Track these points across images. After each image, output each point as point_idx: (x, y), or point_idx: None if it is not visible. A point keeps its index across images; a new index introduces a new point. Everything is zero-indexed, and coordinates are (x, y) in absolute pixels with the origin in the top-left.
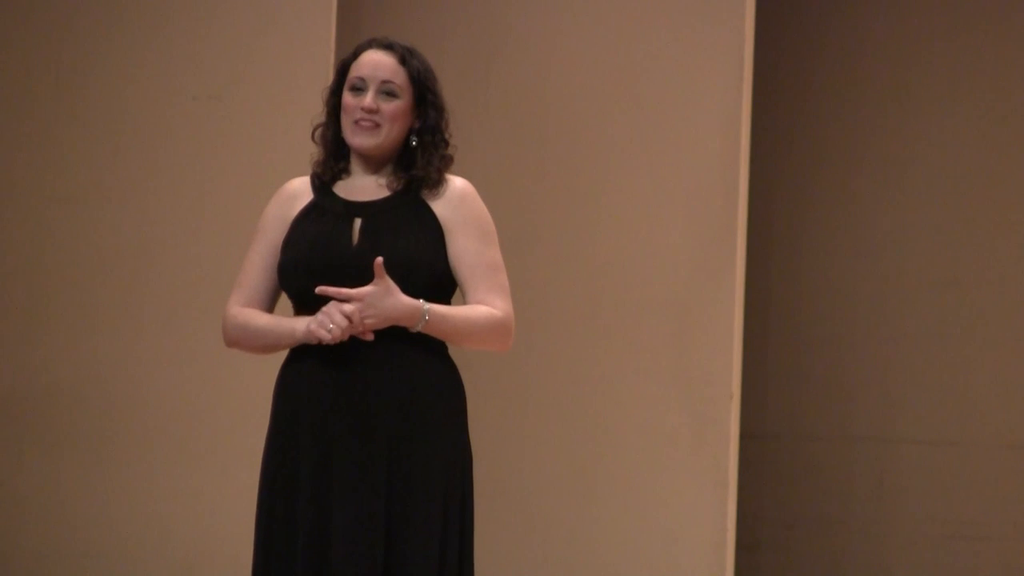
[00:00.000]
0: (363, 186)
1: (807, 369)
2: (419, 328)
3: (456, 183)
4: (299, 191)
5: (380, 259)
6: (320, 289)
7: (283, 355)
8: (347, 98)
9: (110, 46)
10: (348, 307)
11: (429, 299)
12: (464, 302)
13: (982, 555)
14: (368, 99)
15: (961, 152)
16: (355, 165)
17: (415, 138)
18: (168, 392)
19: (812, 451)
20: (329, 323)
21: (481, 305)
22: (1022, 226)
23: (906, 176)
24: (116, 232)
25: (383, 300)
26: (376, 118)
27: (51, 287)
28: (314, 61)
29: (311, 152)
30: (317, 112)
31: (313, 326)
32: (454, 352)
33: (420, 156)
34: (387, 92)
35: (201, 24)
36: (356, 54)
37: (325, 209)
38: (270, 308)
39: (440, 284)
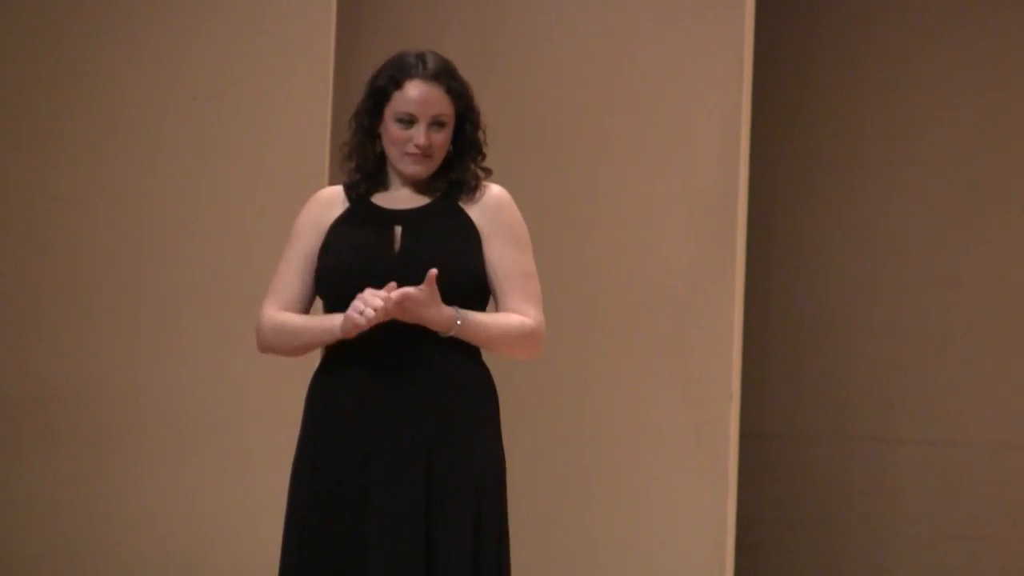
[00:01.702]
0: (402, 196)
1: (807, 369)
2: (451, 333)
3: (493, 190)
4: (333, 199)
5: (435, 271)
6: (369, 292)
7: (312, 362)
8: (396, 130)
9: (109, 46)
10: (383, 293)
11: (467, 305)
12: (496, 308)
13: (982, 555)
14: (422, 137)
15: (961, 152)
16: (394, 178)
17: (454, 148)
18: (167, 392)
19: (812, 451)
20: (362, 306)
21: (514, 314)
22: (1022, 226)
23: (906, 176)
24: (115, 232)
25: (425, 307)
26: (430, 151)
27: (50, 287)
28: (314, 61)
29: (309, 153)
30: (317, 112)
31: (349, 311)
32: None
33: (458, 163)
34: (437, 123)
35: (201, 24)
36: (399, 83)
37: (363, 216)
38: (305, 313)
39: (478, 290)
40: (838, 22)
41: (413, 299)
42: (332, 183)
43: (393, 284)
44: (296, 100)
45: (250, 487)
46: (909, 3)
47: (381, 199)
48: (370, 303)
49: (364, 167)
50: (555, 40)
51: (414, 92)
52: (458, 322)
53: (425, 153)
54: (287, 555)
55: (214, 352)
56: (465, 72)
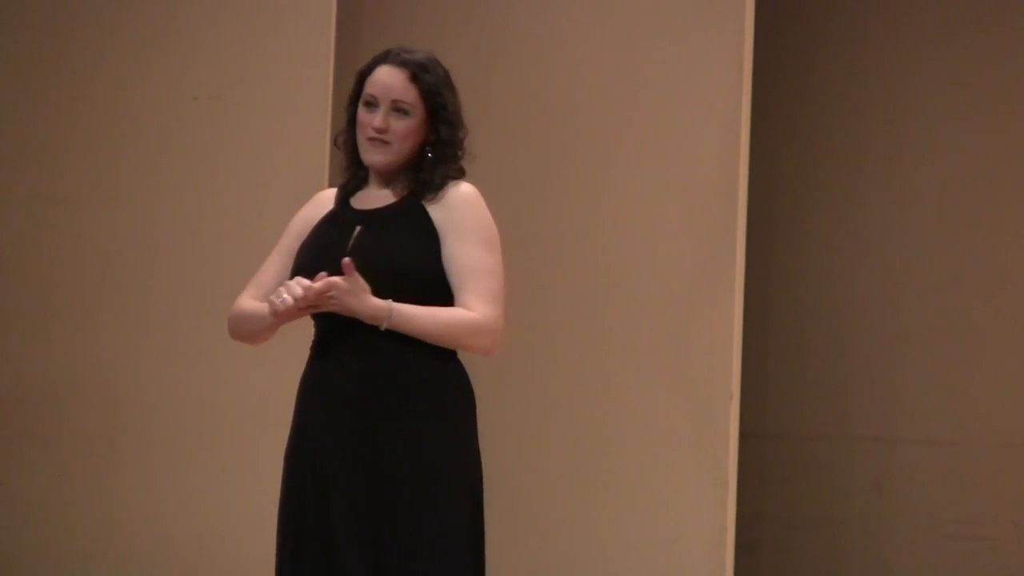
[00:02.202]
0: (375, 196)
1: (807, 369)
2: (385, 327)
3: (460, 187)
4: (328, 199)
5: (347, 259)
6: (295, 280)
7: (285, 362)
8: (361, 113)
9: (110, 46)
10: (306, 282)
11: (423, 303)
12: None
13: (982, 555)
14: (378, 119)
15: (961, 152)
16: (371, 175)
17: (430, 150)
18: (168, 392)
19: (812, 451)
20: (284, 293)
21: (460, 308)
22: (1022, 226)
23: (906, 176)
24: (116, 232)
25: (348, 297)
26: (386, 136)
27: (51, 287)
28: (314, 61)
29: (309, 153)
30: (317, 112)
31: (271, 297)
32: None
33: (428, 166)
34: (398, 110)
35: (201, 24)
36: (371, 68)
37: (339, 218)
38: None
39: (434, 289)
40: (838, 22)
41: (336, 287)
42: (332, 183)
43: (323, 274)
44: (296, 100)
45: (250, 487)
46: (909, 4)
47: (360, 199)
48: (292, 291)
49: (347, 155)
50: (555, 41)
51: (378, 75)
52: (388, 310)
53: (382, 138)
54: (277, 549)
55: (214, 352)
56: (466, 73)
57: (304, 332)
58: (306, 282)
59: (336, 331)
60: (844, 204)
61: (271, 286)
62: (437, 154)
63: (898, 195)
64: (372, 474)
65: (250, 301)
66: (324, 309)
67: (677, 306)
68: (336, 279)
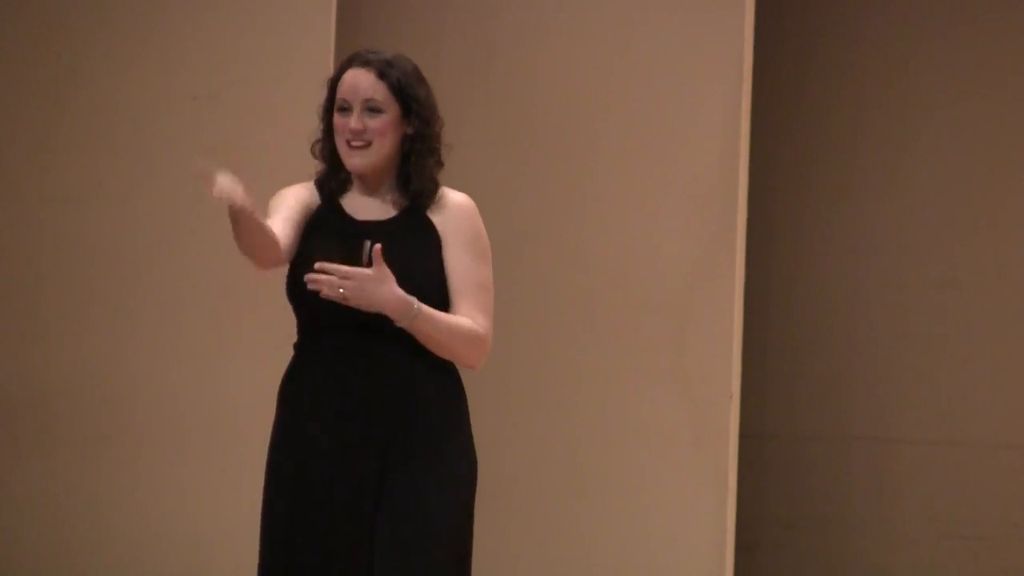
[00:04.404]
0: (369, 203)
1: (806, 369)
2: (405, 323)
3: (458, 197)
4: (311, 190)
5: (379, 246)
6: (319, 265)
7: (283, 362)
8: (336, 120)
9: (109, 46)
10: (342, 269)
11: None
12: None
13: (981, 555)
14: (353, 121)
15: (961, 152)
16: (356, 179)
17: (408, 146)
18: (166, 392)
19: (811, 451)
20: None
21: (467, 319)
22: (1022, 226)
23: (906, 176)
24: (114, 232)
25: (376, 285)
26: (365, 136)
27: (49, 287)
28: (314, 61)
29: (309, 153)
30: (316, 112)
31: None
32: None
33: (413, 166)
34: (371, 109)
35: (201, 24)
36: (340, 74)
37: (334, 226)
38: (276, 242)
39: (443, 301)
40: (838, 22)
41: (364, 278)
42: None
43: (343, 267)
44: (295, 100)
45: (248, 487)
46: (908, 3)
47: (351, 204)
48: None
49: (326, 162)
50: (554, 39)
51: (347, 78)
52: (416, 313)
53: (360, 139)
54: (261, 548)
55: (212, 352)
56: (463, 71)
57: None
58: (342, 269)
59: (335, 331)
60: (844, 204)
61: (274, 224)
62: (416, 149)
63: (898, 195)
64: (381, 471)
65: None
66: (347, 301)
67: (677, 306)
68: (364, 270)
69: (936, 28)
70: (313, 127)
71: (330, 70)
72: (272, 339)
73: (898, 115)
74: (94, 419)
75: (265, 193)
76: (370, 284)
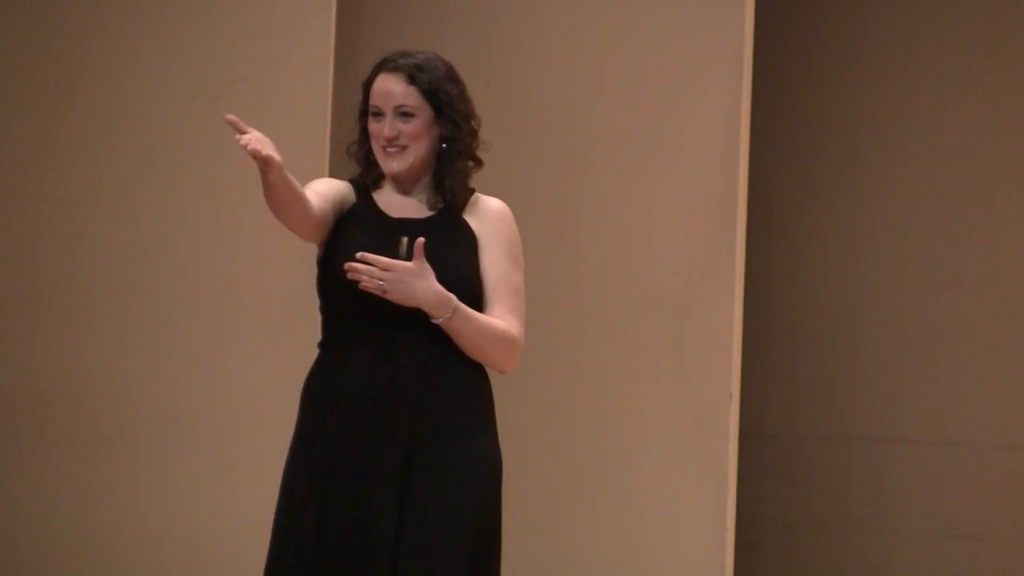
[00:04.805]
0: (404, 202)
1: (806, 369)
2: (442, 320)
3: (494, 202)
4: (348, 188)
5: (421, 240)
6: (361, 255)
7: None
8: (371, 125)
9: (109, 46)
10: (383, 260)
11: None
12: None
13: (981, 555)
14: (387, 129)
15: (960, 152)
16: (390, 179)
17: (444, 148)
18: (166, 392)
19: (811, 451)
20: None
21: (502, 322)
22: (1022, 226)
23: (906, 175)
24: (115, 232)
25: (416, 280)
26: (399, 142)
27: (49, 287)
28: (314, 61)
29: (309, 153)
30: (317, 112)
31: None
32: None
33: (447, 168)
34: (403, 114)
35: (201, 24)
36: (372, 78)
37: (369, 222)
38: (309, 210)
39: (478, 302)
40: (838, 22)
41: (405, 271)
42: None
43: (384, 259)
44: (296, 100)
45: (249, 486)
46: (908, 3)
47: (386, 203)
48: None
49: (361, 164)
50: (554, 39)
51: (377, 85)
52: (453, 311)
53: (393, 144)
54: (273, 547)
55: (212, 352)
56: (463, 71)
57: (305, 333)
58: (383, 260)
59: (367, 324)
60: (844, 204)
61: (313, 198)
62: (451, 151)
63: (898, 195)
64: (406, 467)
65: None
66: (386, 294)
67: (677, 306)
68: (404, 263)
69: (936, 29)
70: (313, 127)
71: (330, 70)
72: (272, 339)
73: (898, 115)
74: (94, 419)
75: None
76: (410, 277)
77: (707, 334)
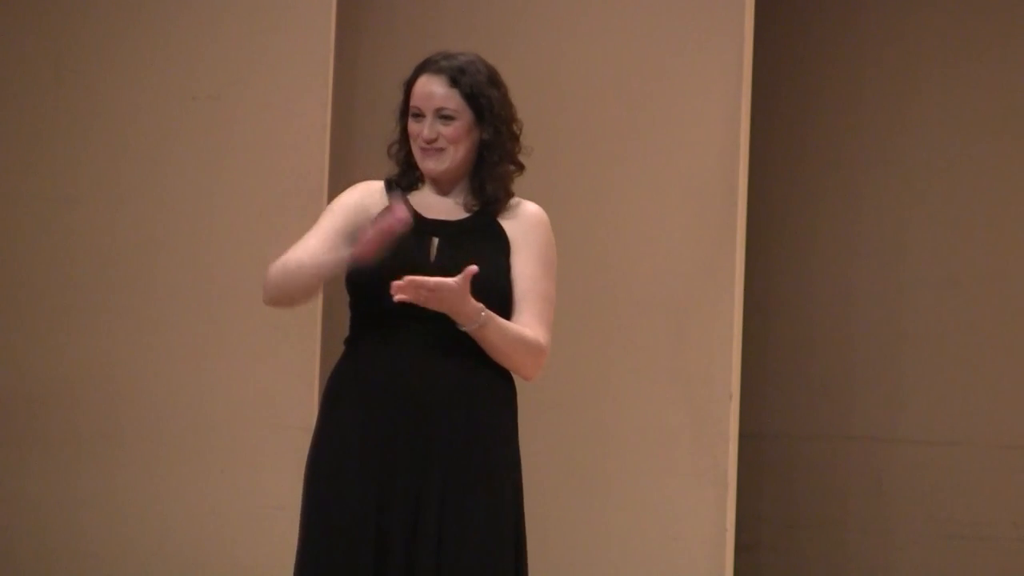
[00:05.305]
0: (440, 203)
1: (806, 369)
2: (470, 329)
3: (532, 207)
4: (374, 190)
5: (475, 267)
6: (409, 279)
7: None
8: (411, 125)
9: (110, 46)
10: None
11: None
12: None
13: (982, 555)
14: (426, 130)
15: (961, 152)
16: (428, 180)
17: (485, 151)
18: (169, 392)
19: (812, 451)
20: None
21: (529, 330)
22: (1022, 226)
23: (906, 176)
24: (116, 232)
25: (453, 301)
26: (438, 144)
27: (53, 287)
28: (314, 61)
29: (310, 153)
30: (317, 112)
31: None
32: None
33: (486, 171)
34: (443, 117)
35: (201, 24)
36: (414, 78)
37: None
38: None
39: (507, 306)
40: (838, 22)
41: (447, 290)
42: (332, 183)
43: (431, 279)
44: (296, 100)
45: (249, 486)
46: (910, 4)
47: (420, 204)
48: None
49: (400, 165)
50: (554, 40)
51: (418, 86)
52: (483, 314)
53: (432, 146)
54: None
55: (213, 351)
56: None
57: (306, 333)
58: (430, 282)
59: (396, 322)
60: (844, 204)
61: (316, 255)
62: (491, 155)
63: (898, 195)
64: (443, 471)
65: (301, 255)
66: (422, 303)
67: (677, 306)
68: (448, 281)
69: (937, 28)
70: (313, 127)
71: (330, 70)
72: (274, 340)
73: (898, 115)
74: (96, 419)
75: (265, 193)
76: (450, 295)
77: (707, 334)
